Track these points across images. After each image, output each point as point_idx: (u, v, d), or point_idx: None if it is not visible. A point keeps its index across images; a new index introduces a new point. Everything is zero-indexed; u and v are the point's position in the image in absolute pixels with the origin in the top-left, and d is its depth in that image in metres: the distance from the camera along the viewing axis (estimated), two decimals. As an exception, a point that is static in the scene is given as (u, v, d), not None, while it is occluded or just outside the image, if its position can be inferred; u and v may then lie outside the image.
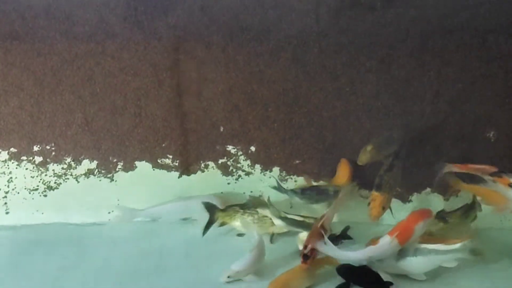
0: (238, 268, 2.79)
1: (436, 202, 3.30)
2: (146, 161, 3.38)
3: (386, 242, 2.73)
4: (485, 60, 3.15)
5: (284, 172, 3.39)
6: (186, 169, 3.40)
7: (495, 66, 3.15)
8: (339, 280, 2.76)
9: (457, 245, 2.78)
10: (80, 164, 3.39)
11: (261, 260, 2.88)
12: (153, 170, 3.39)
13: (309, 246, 2.75)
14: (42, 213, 3.36)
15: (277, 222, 3.10)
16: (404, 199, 3.35)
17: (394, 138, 3.16)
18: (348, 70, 3.21)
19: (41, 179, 3.38)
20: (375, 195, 3.03)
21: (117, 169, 3.40)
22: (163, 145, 3.35)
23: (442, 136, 3.25)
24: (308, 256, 2.74)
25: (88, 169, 3.39)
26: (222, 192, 3.39)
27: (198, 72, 3.27)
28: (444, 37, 3.13)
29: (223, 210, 3.18)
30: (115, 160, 3.39)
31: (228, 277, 2.78)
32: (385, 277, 2.76)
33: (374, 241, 2.79)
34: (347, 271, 2.77)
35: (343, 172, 3.24)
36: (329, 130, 3.28)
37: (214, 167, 3.40)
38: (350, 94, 3.23)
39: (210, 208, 3.16)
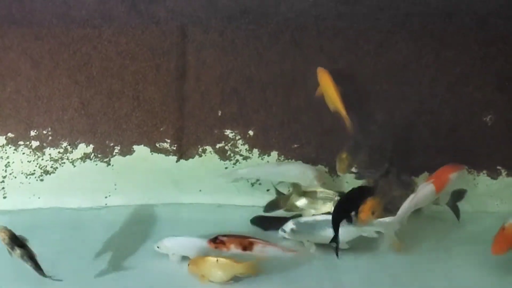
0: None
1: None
2: (144, 145, 3.37)
3: (425, 188, 2.81)
4: (484, 44, 3.17)
5: (282, 156, 3.39)
6: (184, 153, 3.39)
7: (494, 50, 3.17)
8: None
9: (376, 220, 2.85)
10: (77, 148, 3.37)
11: None
12: (151, 154, 3.39)
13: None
14: (39, 198, 3.33)
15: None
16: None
17: (362, 142, 3.11)
18: (346, 54, 3.22)
19: (37, 164, 3.37)
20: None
21: (114, 153, 3.39)
22: (161, 129, 3.34)
23: (439, 120, 3.26)
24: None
25: (84, 153, 3.38)
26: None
27: (196, 56, 3.26)
28: (443, 20, 3.14)
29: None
30: (112, 144, 3.38)
31: None
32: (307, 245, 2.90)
33: None
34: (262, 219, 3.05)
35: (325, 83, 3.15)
36: (328, 114, 3.27)
37: (212, 152, 3.39)
38: (348, 78, 3.23)
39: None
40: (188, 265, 2.73)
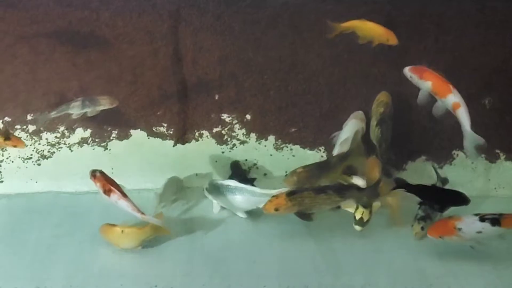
0: None
1: (430, 169, 3.31)
2: (141, 130, 3.37)
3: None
4: (482, 27, 3.16)
5: (279, 140, 3.38)
6: (181, 137, 3.38)
7: (493, 33, 3.16)
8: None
9: (273, 191, 2.88)
10: (74, 133, 3.37)
11: None
12: (148, 138, 3.38)
13: None
14: (36, 182, 3.34)
15: None
16: (399, 168, 3.35)
17: (328, 165, 2.99)
18: (345, 37, 3.19)
19: (34, 148, 3.36)
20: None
21: (111, 138, 3.38)
22: (158, 113, 3.34)
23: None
24: None
25: (82, 138, 3.38)
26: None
27: (193, 40, 3.25)
28: (442, 4, 3.13)
29: None
30: (109, 129, 3.38)
31: None
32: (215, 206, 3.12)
33: None
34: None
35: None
36: (326, 97, 3.28)
37: (209, 136, 3.39)
38: (347, 61, 3.22)
39: None
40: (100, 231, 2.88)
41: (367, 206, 2.82)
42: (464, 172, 3.31)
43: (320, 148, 3.36)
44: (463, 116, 2.74)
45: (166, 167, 3.35)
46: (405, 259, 2.79)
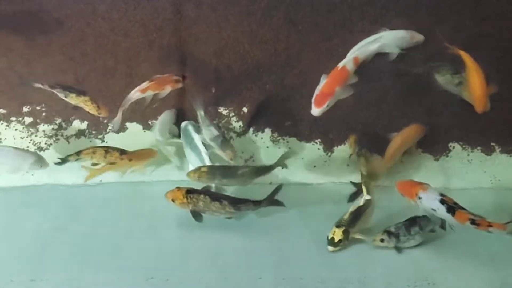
0: None
1: (426, 161, 3.32)
2: (136, 123, 3.37)
3: None
4: (479, 19, 3.15)
5: (276, 133, 3.38)
6: (177, 131, 3.38)
7: (489, 26, 3.15)
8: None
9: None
10: (71, 125, 3.37)
11: None
12: (144, 131, 3.38)
13: None
14: (33, 175, 3.33)
15: None
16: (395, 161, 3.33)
17: (234, 172, 3.00)
18: (340, 30, 3.20)
19: (31, 140, 3.36)
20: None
21: (107, 130, 3.38)
22: (154, 106, 3.33)
23: (433, 96, 3.24)
24: None
25: (78, 130, 3.38)
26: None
27: (189, 32, 3.25)
28: (437, -5, 3.13)
29: None
30: (105, 121, 3.38)
31: None
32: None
33: None
34: None
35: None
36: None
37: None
38: (343, 55, 3.19)
39: None
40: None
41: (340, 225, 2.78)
42: (460, 164, 3.31)
43: (316, 140, 3.37)
44: None
45: (161, 160, 3.35)
46: (401, 252, 2.80)
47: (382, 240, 2.73)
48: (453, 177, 3.24)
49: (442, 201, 2.61)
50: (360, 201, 2.87)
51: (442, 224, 2.76)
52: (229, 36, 3.24)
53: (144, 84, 3.11)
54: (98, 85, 3.29)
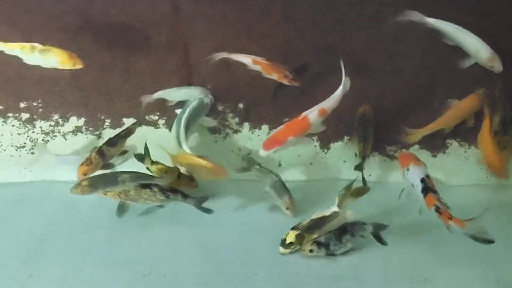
0: None
1: (424, 157, 3.26)
2: (133, 118, 3.36)
3: None
4: (476, 16, 3.15)
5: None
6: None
7: (487, 22, 3.15)
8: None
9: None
10: (68, 121, 3.37)
11: None
12: (141, 126, 3.37)
13: None
14: (30, 171, 3.32)
15: None
16: (391, 157, 3.34)
17: (112, 179, 2.95)
18: (338, 27, 3.20)
19: (28, 136, 3.36)
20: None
21: (104, 126, 3.38)
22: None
23: (431, 93, 3.25)
24: None
25: (75, 126, 3.37)
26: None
27: (186, 28, 3.24)
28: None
29: None
30: (103, 117, 3.37)
31: None
32: None
33: None
34: None
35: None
36: (319, 87, 3.27)
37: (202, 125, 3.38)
38: (341, 51, 3.21)
39: None
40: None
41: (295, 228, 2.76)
42: (457, 161, 3.30)
43: (313, 137, 3.36)
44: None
45: (159, 156, 3.34)
46: (397, 249, 2.81)
47: (311, 251, 2.70)
48: (450, 173, 3.24)
49: (423, 180, 2.64)
50: (326, 211, 2.80)
51: (376, 232, 2.75)
52: (226, 32, 3.23)
53: (259, 58, 3.08)
54: (94, 81, 3.28)
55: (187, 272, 2.67)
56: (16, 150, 3.35)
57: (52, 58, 2.92)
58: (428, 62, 3.23)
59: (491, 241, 2.49)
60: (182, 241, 2.85)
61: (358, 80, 3.22)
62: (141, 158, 3.13)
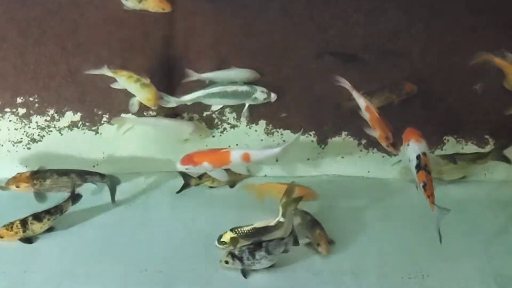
0: None
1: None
2: (131, 114, 3.33)
3: None
4: (474, 13, 3.15)
5: (270, 125, 3.38)
6: (171, 122, 3.37)
7: (485, 19, 3.15)
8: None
9: None
10: (64, 116, 3.35)
11: None
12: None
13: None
14: (26, 166, 3.31)
15: None
16: (390, 153, 3.30)
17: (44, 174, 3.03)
18: (336, 22, 3.19)
19: (24, 131, 3.34)
20: None
21: (102, 122, 3.37)
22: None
23: (429, 89, 3.25)
24: None
25: (72, 122, 3.36)
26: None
27: (185, 24, 3.23)
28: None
29: None
30: (100, 113, 3.36)
31: None
32: None
33: None
34: None
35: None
36: (317, 83, 3.27)
37: (199, 120, 3.38)
38: (338, 47, 3.21)
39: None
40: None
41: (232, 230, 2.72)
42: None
43: (310, 133, 3.37)
44: None
45: (156, 152, 3.37)
46: (394, 244, 2.81)
47: (226, 262, 2.65)
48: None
49: (418, 157, 2.64)
50: (272, 221, 2.72)
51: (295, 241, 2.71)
52: (225, 28, 3.22)
53: (372, 107, 2.98)
54: (91, 76, 3.26)
55: (184, 267, 2.68)
56: (13, 146, 3.34)
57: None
58: (427, 59, 3.23)
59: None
60: (177, 236, 2.86)
61: (355, 76, 3.23)
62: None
